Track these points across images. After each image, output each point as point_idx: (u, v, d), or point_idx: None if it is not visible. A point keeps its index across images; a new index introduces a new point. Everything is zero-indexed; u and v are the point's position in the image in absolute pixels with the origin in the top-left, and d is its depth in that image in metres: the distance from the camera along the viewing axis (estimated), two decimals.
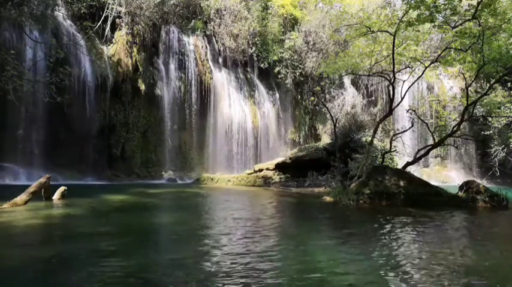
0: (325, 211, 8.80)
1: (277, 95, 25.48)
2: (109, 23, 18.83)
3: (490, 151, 20.65)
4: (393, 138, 13.48)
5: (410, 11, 10.62)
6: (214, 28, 23.09)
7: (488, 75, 13.44)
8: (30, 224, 5.91)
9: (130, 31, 19.47)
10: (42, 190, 8.25)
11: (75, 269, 3.68)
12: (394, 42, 11.27)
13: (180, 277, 3.51)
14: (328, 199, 10.30)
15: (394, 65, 11.78)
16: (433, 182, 12.53)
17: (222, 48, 23.35)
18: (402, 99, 12.89)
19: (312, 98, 24.76)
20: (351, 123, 17.74)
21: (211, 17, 23.10)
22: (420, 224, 6.85)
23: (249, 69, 25.02)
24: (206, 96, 21.85)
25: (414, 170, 16.15)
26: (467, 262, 4.30)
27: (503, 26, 10.50)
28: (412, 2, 10.29)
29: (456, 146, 16.64)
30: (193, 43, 22.08)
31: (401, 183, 9.73)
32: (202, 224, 6.68)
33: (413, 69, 13.49)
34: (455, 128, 12.11)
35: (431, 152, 14.44)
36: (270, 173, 17.05)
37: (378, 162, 13.93)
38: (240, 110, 22.93)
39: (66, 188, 9.01)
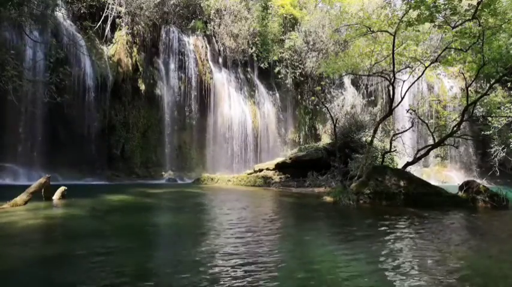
0: (325, 211, 8.79)
1: (277, 95, 25.48)
2: (109, 23, 18.82)
3: (490, 151, 20.64)
4: (393, 138, 13.47)
5: (410, 11, 10.62)
6: (214, 28, 23.08)
7: (488, 75, 13.43)
8: (30, 224, 5.91)
9: (130, 31, 19.46)
10: (42, 190, 8.23)
11: (76, 269, 3.67)
12: (394, 42, 11.26)
13: (180, 277, 3.50)
14: (328, 199, 10.29)
15: (394, 65, 11.78)
16: (433, 182, 12.54)
17: (222, 48, 23.34)
18: (402, 99, 12.88)
19: (312, 98, 24.76)
20: (351, 123, 17.73)
21: (211, 17, 23.09)
22: (421, 224, 6.85)
23: (249, 69, 25.01)
24: (206, 96, 21.84)
25: (414, 170, 16.12)
26: (467, 262, 4.30)
27: (503, 26, 10.49)
28: (412, 2, 10.29)
29: (456, 146, 16.63)
30: (193, 43, 22.07)
31: (402, 183, 9.73)
32: (202, 225, 6.68)
33: (413, 69, 13.48)
34: (455, 128, 12.10)
35: (431, 152, 14.44)
36: (270, 173, 17.04)
37: (378, 162, 13.93)
38: (240, 110, 22.92)
39: (66, 188, 9.00)
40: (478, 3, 9.80)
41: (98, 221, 6.66)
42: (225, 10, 23.07)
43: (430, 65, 12.43)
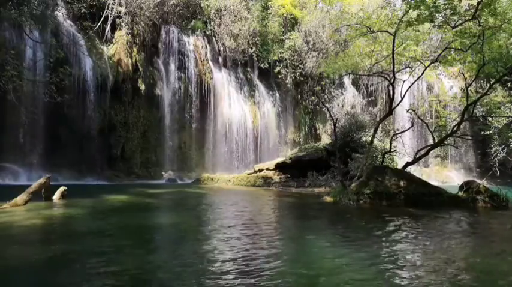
0: (325, 211, 8.79)
1: (277, 95, 25.49)
2: (109, 23, 18.83)
3: (490, 151, 20.64)
4: (393, 138, 13.46)
5: (410, 11, 10.61)
6: (214, 28, 23.09)
7: (488, 75, 13.43)
8: (30, 224, 5.91)
9: (130, 31, 19.47)
10: (42, 190, 8.24)
11: (75, 269, 3.67)
12: (394, 42, 11.26)
13: (179, 277, 3.50)
14: (328, 199, 10.29)
15: (394, 65, 11.77)
16: (433, 182, 12.52)
17: (222, 48, 23.36)
18: (402, 99, 12.88)
19: (312, 98, 24.76)
20: (351, 123, 17.73)
21: (211, 17, 23.11)
22: (421, 224, 6.85)
23: (249, 69, 25.03)
24: (206, 96, 21.86)
25: (414, 170, 16.11)
26: (468, 262, 4.30)
27: (503, 26, 10.47)
28: (412, 2, 10.29)
29: (456, 146, 16.62)
30: (193, 43, 22.09)
31: (402, 183, 9.73)
32: (202, 225, 6.68)
33: (413, 69, 13.48)
34: (455, 128, 12.09)
35: (431, 152, 14.43)
36: (270, 173, 17.05)
37: (378, 162, 13.92)
38: (240, 110, 22.94)
39: (66, 188, 9.00)
40: (478, 3, 9.79)
41: (97, 221, 6.66)
42: (225, 10, 23.08)
43: (430, 65, 12.42)
